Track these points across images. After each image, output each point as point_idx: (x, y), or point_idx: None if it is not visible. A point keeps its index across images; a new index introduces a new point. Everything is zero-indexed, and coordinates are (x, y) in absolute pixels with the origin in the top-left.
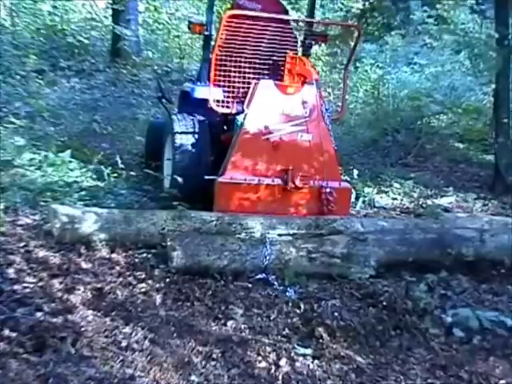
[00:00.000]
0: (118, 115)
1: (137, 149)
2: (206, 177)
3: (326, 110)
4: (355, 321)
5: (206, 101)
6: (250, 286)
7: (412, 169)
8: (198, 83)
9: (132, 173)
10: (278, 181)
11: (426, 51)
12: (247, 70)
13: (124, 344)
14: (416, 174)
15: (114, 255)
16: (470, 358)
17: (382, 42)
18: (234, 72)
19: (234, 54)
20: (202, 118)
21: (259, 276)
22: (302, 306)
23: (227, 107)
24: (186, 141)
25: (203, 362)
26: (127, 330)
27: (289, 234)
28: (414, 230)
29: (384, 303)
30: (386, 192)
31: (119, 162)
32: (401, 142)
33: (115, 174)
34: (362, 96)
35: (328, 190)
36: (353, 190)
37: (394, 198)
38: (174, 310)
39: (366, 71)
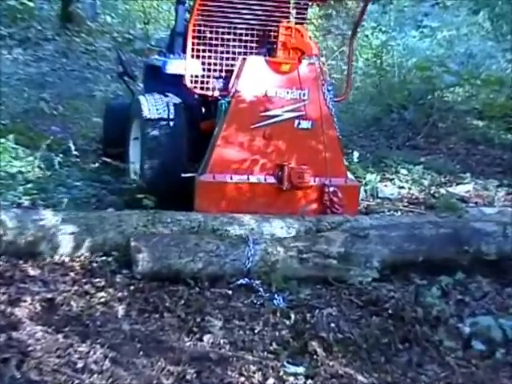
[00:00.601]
0: (70, 92)
1: (94, 132)
2: (184, 174)
3: (329, 90)
4: (355, 333)
5: (180, 78)
6: (230, 293)
7: (422, 152)
8: (171, 55)
9: (88, 161)
10: (270, 179)
11: (438, 12)
12: (232, 43)
13: (80, 365)
14: (427, 158)
15: (67, 259)
16: (492, 375)
17: (386, 2)
18: (216, 44)
19: (216, 22)
20: (176, 100)
21: (241, 281)
22: (293, 315)
23: (207, 88)
24: (159, 129)
25: None
26: (84, 348)
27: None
28: (425, 224)
29: (390, 311)
30: (391, 180)
31: (72, 148)
32: (408, 120)
33: (68, 163)
34: (362, 66)
35: (332, 188)
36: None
37: (401, 187)
38: (140, 323)
39: (367, 36)
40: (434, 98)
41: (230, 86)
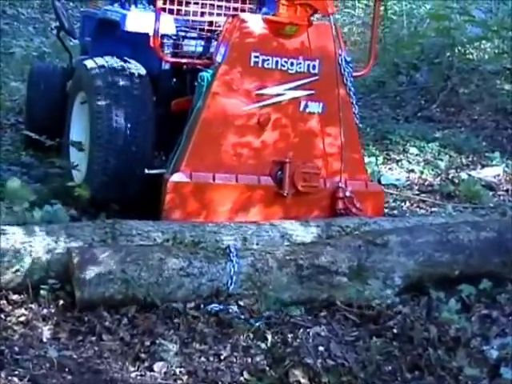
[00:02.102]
0: None
1: (12, 101)
2: (148, 171)
3: (347, 62)
4: (350, 358)
5: (145, 38)
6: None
7: (438, 125)
8: (133, 7)
9: (4, 139)
10: (266, 180)
11: None
12: None
13: None
14: (444, 133)
15: None
16: None
17: None
18: None
19: None
20: (140, 69)
21: (212, 307)
22: (270, 337)
23: (183, 54)
24: (116, 108)
25: None
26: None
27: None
28: (461, 226)
29: (394, 330)
30: (397, 161)
31: None
32: (421, 84)
33: None
34: (360, 14)
35: (348, 193)
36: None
37: (411, 170)
38: (72, 348)
39: None
40: (453, 55)
41: (215, 52)
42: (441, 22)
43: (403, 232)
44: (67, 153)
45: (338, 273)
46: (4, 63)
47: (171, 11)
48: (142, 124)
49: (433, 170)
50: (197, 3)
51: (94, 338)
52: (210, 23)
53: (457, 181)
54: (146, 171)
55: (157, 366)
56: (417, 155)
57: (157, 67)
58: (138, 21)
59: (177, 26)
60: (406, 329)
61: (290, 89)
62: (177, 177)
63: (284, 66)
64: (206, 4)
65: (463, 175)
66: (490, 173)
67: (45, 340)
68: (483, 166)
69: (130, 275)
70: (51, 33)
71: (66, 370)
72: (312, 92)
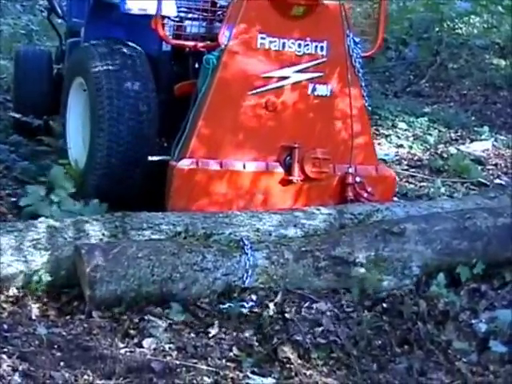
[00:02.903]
0: None
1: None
2: (152, 158)
3: (356, 43)
4: (342, 333)
5: (146, 20)
6: None
7: (427, 100)
8: None
9: None
10: (275, 167)
11: None
12: None
13: None
14: (433, 108)
15: None
16: None
17: None
18: None
19: None
20: (140, 53)
21: (228, 305)
22: (260, 312)
23: (186, 36)
24: (118, 94)
25: None
26: None
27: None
28: (477, 212)
29: (384, 305)
30: (386, 136)
31: None
32: (410, 59)
33: None
34: None
35: (358, 179)
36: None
37: (400, 145)
38: (60, 325)
39: None
40: (442, 30)
41: (221, 34)
42: None
43: (419, 220)
44: (64, 135)
45: (356, 263)
46: None
47: None
48: (144, 110)
49: (422, 144)
50: None
51: (82, 316)
52: (212, 3)
53: (446, 155)
54: (150, 158)
55: (146, 342)
56: (406, 130)
57: (156, 50)
58: (138, 2)
59: (178, 7)
60: (395, 303)
61: (298, 71)
62: (183, 164)
63: (291, 48)
64: None
65: (452, 150)
66: (479, 147)
67: (33, 317)
68: (472, 141)
69: (142, 271)
70: (39, 11)
71: (55, 347)
72: (320, 74)
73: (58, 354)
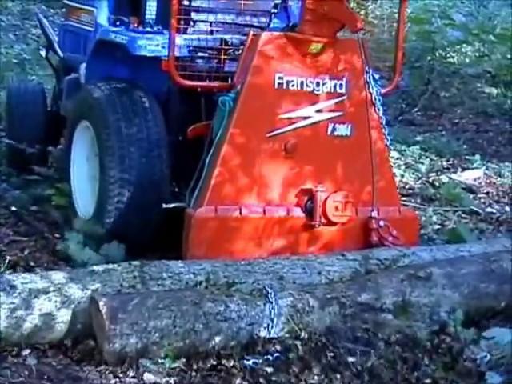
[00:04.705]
0: None
1: None
2: (166, 205)
3: (375, 80)
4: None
5: (154, 62)
6: None
7: (419, 128)
8: (140, 28)
9: None
10: (296, 211)
11: None
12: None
13: None
14: (425, 137)
15: None
16: None
17: None
18: (210, 11)
19: None
20: (148, 96)
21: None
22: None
23: (200, 77)
24: (129, 139)
25: None
26: None
27: None
28: (503, 254)
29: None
30: None
31: None
32: (402, 87)
33: None
34: None
35: (382, 223)
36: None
37: None
38: (51, 355)
39: None
40: (434, 59)
41: (237, 74)
42: (422, 26)
43: (445, 264)
44: (68, 179)
45: (383, 310)
46: None
47: (179, 31)
48: (155, 155)
49: (413, 173)
50: (206, 21)
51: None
52: (221, 42)
53: (437, 184)
54: (164, 206)
55: (146, 376)
56: (398, 159)
57: (164, 91)
58: (148, 44)
59: (187, 46)
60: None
61: (317, 111)
62: (201, 212)
63: (310, 87)
64: (215, 22)
65: (444, 178)
66: (471, 176)
67: (22, 346)
68: (464, 169)
69: (164, 323)
70: (32, 40)
71: (45, 377)
72: (340, 113)
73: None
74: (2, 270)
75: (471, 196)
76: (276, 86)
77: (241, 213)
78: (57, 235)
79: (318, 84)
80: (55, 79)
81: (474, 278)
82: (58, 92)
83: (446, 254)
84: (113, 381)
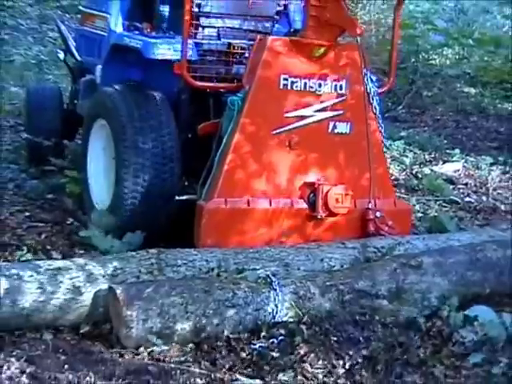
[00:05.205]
0: None
1: (11, 105)
2: (179, 197)
3: (373, 81)
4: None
5: (166, 64)
6: None
7: (403, 125)
8: (153, 33)
9: (5, 139)
10: (299, 203)
11: None
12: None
13: None
14: (408, 132)
15: None
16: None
17: None
18: (219, 17)
19: None
20: (160, 95)
21: (259, 345)
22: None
23: (210, 78)
24: (143, 135)
25: None
26: None
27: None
28: (487, 245)
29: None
30: None
31: None
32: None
33: None
34: None
35: (378, 214)
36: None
37: None
38: (65, 331)
39: None
40: (417, 61)
41: (245, 76)
42: (406, 30)
43: (434, 253)
44: (84, 172)
45: (378, 296)
46: (4, 70)
47: (195, 35)
48: (168, 150)
49: (398, 165)
50: (214, 27)
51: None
52: (228, 45)
53: (420, 176)
54: (177, 198)
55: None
56: (384, 152)
57: (175, 91)
58: (161, 48)
59: (197, 50)
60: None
61: (319, 110)
62: (213, 204)
63: (312, 88)
64: (222, 27)
65: (426, 170)
66: (451, 168)
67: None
68: (444, 162)
69: (177, 309)
70: (49, 42)
71: (60, 351)
72: (340, 112)
73: (63, 357)
74: (23, 252)
75: (451, 187)
76: (281, 86)
77: (249, 204)
78: (70, 221)
79: (319, 85)
80: (71, 80)
81: (461, 266)
82: (75, 92)
83: (437, 242)
84: (127, 356)
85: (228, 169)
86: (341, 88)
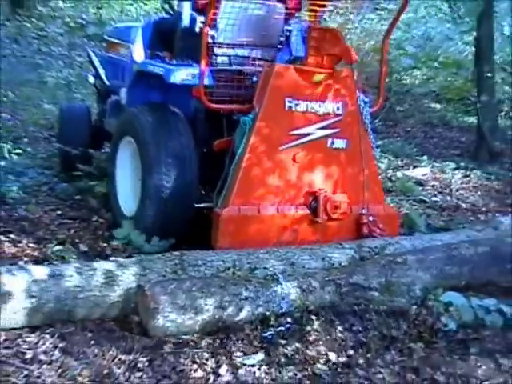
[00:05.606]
0: (21, 79)
1: (45, 119)
2: (198, 205)
3: (365, 103)
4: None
5: (185, 89)
6: None
7: (379, 135)
8: (174, 61)
9: (39, 148)
10: (303, 210)
11: None
12: (243, 45)
13: (29, 356)
14: (384, 142)
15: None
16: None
17: None
18: (232, 47)
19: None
20: (180, 115)
21: (268, 333)
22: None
23: (224, 101)
24: (164, 152)
25: (126, 374)
26: (33, 338)
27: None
28: (461, 243)
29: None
30: None
31: (23, 135)
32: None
33: (18, 151)
34: None
35: (371, 218)
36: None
37: None
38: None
39: (324, 19)
40: (391, 81)
41: (255, 98)
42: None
43: (417, 252)
44: (112, 183)
45: (371, 288)
46: (39, 90)
47: (212, 64)
48: (187, 163)
49: None
50: (226, 55)
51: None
52: (239, 72)
53: (394, 179)
54: (196, 205)
55: None
56: (375, 165)
57: (192, 112)
58: (181, 74)
59: (212, 76)
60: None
61: (319, 128)
62: (227, 211)
63: (313, 109)
64: (233, 55)
65: (399, 174)
66: (420, 172)
67: None
68: (414, 167)
69: (197, 302)
70: (76, 66)
71: (87, 329)
72: (337, 130)
73: (90, 334)
74: (53, 244)
75: (420, 188)
76: (286, 108)
77: (259, 211)
78: (95, 218)
79: (319, 106)
80: (99, 101)
81: (440, 262)
82: (102, 111)
83: (422, 242)
84: (147, 340)
85: (241, 180)
86: (338, 109)
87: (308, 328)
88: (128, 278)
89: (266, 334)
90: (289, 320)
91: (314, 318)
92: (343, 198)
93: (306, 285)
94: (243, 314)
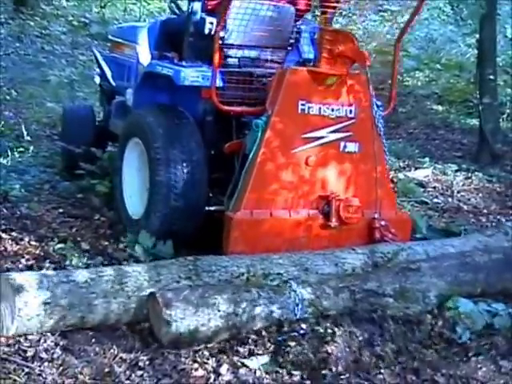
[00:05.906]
0: (23, 77)
1: (47, 118)
2: (209, 208)
3: (378, 106)
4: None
5: (194, 90)
6: None
7: None
8: (183, 63)
9: (42, 147)
10: (315, 214)
11: None
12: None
13: (30, 353)
14: (386, 143)
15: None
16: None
17: None
18: (236, 48)
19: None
20: (188, 116)
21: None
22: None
23: (235, 103)
24: (172, 153)
25: (127, 372)
26: (34, 336)
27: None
28: (474, 250)
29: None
30: None
31: (25, 133)
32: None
33: (20, 149)
34: None
35: (383, 223)
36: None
37: None
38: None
39: None
40: None
41: (268, 101)
42: (384, 56)
43: (430, 259)
44: (120, 183)
45: (385, 295)
46: (42, 88)
47: (223, 65)
48: (196, 166)
49: None
50: (236, 57)
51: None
52: (249, 73)
53: (396, 180)
54: (207, 208)
55: None
56: (387, 169)
57: (200, 113)
58: (190, 76)
59: (222, 78)
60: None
61: (331, 132)
62: (240, 215)
63: (326, 112)
64: (243, 57)
65: (401, 175)
66: (422, 174)
67: None
68: (416, 169)
69: (210, 309)
70: (79, 65)
71: (89, 327)
72: (350, 134)
73: (91, 333)
74: (55, 242)
75: (422, 189)
76: (299, 111)
77: (271, 215)
78: (97, 217)
79: (332, 110)
80: (105, 101)
81: (454, 269)
82: (108, 111)
83: (434, 247)
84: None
85: (253, 183)
86: (350, 112)
87: (322, 333)
88: (143, 284)
89: (279, 339)
90: (303, 326)
91: (328, 324)
92: (355, 202)
93: (319, 291)
94: (257, 320)
